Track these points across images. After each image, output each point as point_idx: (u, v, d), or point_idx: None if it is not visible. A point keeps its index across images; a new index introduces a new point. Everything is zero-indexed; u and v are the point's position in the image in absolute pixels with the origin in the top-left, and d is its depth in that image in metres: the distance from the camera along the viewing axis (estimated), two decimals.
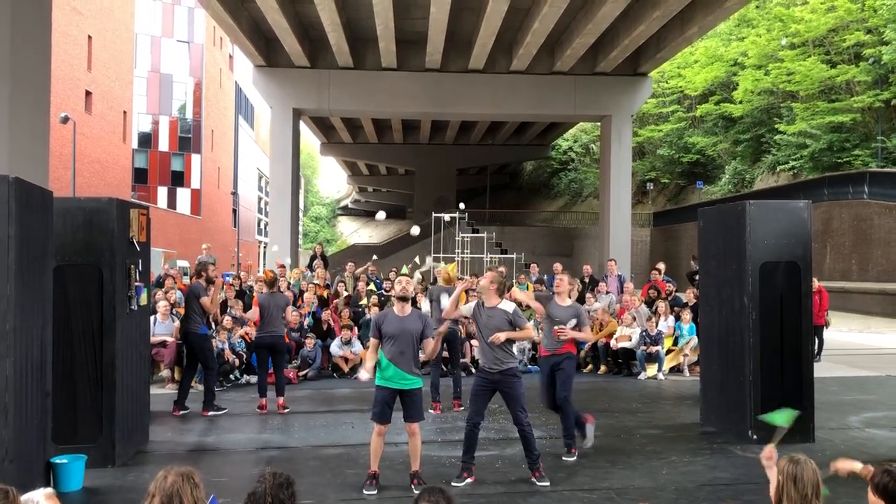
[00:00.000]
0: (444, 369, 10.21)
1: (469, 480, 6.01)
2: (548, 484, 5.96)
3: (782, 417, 3.91)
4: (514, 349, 6.33)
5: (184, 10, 54.90)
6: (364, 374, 6.01)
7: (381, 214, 12.46)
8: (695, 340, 11.71)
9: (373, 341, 6.01)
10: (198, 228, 52.08)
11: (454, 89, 24.37)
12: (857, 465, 3.57)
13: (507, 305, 6.15)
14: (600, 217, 26.89)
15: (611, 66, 23.71)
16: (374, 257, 13.77)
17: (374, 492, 5.77)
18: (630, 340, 11.93)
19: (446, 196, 40.44)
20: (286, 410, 8.94)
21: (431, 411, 8.79)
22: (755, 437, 7.18)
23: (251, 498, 2.87)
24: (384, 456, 6.11)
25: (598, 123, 28.24)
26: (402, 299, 5.94)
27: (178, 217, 50.14)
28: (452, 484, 5.89)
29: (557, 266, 15.46)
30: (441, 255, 21.45)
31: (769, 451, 3.61)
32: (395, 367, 5.83)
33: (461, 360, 11.53)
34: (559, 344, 6.92)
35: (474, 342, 12.21)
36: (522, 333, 6.23)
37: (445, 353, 9.79)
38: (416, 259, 16.93)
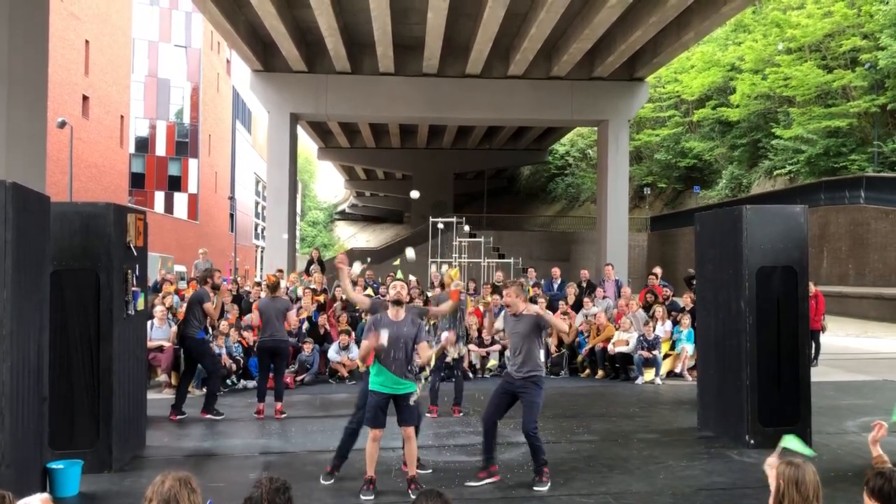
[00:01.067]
0: (445, 374, 10.18)
1: (490, 480, 6.15)
2: (545, 489, 5.96)
3: (795, 443, 3.87)
4: (541, 356, 6.47)
5: (181, 14, 54.95)
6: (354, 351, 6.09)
7: (410, 252, 12.19)
8: (690, 348, 11.72)
9: (364, 344, 5.98)
10: (195, 233, 52.03)
11: (451, 94, 24.41)
12: (875, 450, 3.60)
13: (534, 309, 6.40)
14: (597, 222, 26.92)
15: (607, 71, 23.77)
16: (369, 260, 13.71)
17: (371, 497, 5.75)
18: (627, 345, 11.93)
19: (444, 200, 40.50)
20: (283, 415, 8.93)
21: (428, 415, 8.78)
22: (752, 441, 7.18)
23: (248, 503, 2.87)
24: (381, 461, 6.11)
25: (595, 128, 28.30)
26: (397, 303, 5.94)
27: (176, 222, 50.09)
28: (468, 483, 6.07)
29: (556, 270, 15.48)
30: (439, 260, 21.46)
31: (773, 460, 3.61)
32: (388, 371, 5.83)
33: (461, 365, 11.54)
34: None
35: (472, 347, 12.22)
36: (559, 324, 7.03)
37: (448, 359, 9.77)
38: (408, 254, 16.90)
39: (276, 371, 9.15)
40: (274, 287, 9.26)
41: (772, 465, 3.59)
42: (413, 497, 5.62)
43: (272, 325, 8.95)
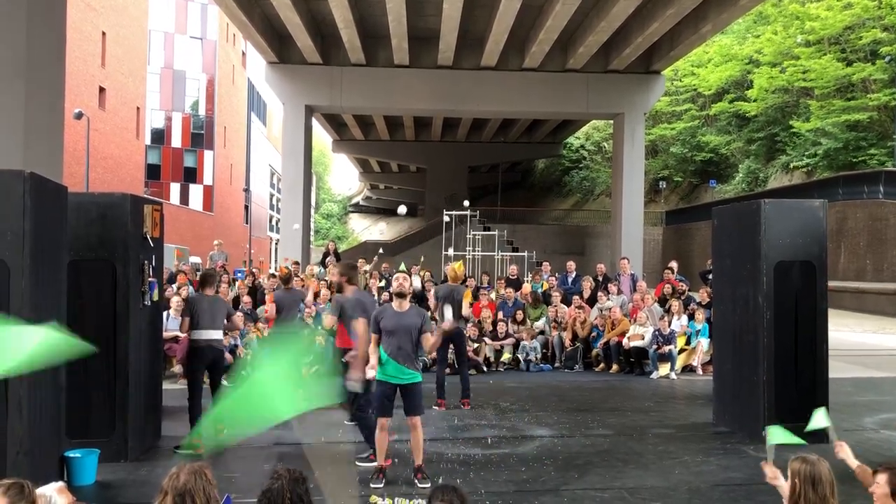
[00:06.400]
0: (451, 368, 10.18)
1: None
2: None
3: (781, 435, 3.81)
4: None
5: (197, 6, 55.06)
6: (370, 372, 6.04)
7: (402, 209, 12.29)
8: (705, 343, 11.64)
9: (373, 337, 6.04)
10: (210, 225, 52.28)
11: (466, 87, 24.35)
12: (852, 462, 3.55)
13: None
14: (612, 215, 26.80)
15: (624, 64, 23.61)
16: (381, 251, 13.88)
17: (381, 485, 5.81)
18: (643, 339, 11.87)
19: (458, 194, 40.44)
20: None
21: (436, 408, 8.76)
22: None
23: (267, 494, 2.86)
24: (391, 450, 6.13)
25: (611, 121, 28.14)
26: (399, 295, 6.01)
27: (191, 213, 50.35)
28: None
29: (571, 264, 15.41)
30: (452, 253, 21.43)
31: (772, 471, 3.58)
32: (394, 362, 5.88)
33: (474, 358, 11.53)
34: None
35: (486, 340, 12.20)
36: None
37: (452, 353, 9.78)
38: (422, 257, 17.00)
39: None
40: (287, 279, 9.29)
41: (773, 478, 3.53)
42: (420, 485, 5.69)
43: (289, 317, 8.97)
